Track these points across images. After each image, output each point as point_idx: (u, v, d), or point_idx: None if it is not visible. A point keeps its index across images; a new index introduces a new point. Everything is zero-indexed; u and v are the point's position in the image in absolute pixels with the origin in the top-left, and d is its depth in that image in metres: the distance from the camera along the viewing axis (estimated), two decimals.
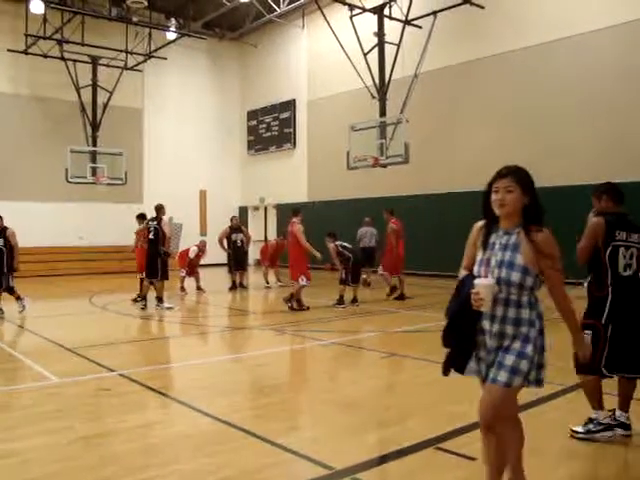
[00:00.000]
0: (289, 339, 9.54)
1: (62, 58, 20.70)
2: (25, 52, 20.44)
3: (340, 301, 12.40)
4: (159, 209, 12.49)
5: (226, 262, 16.92)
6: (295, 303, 11.80)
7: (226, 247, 16.08)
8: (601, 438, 4.37)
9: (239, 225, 16.66)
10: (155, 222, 12.35)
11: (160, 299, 12.37)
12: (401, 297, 13.18)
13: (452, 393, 6.02)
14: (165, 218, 12.55)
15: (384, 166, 16.11)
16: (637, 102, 14.80)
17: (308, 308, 11.82)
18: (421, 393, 6.06)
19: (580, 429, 4.46)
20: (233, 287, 16.00)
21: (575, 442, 4.54)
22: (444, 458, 4.27)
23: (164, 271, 12.31)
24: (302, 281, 11.71)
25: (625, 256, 4.42)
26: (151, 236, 12.29)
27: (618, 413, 4.50)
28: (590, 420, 4.44)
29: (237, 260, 16.09)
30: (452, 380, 6.64)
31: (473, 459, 4.19)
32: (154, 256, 12.26)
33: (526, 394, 5.78)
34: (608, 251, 4.41)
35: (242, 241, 16.18)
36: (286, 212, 23.43)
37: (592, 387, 4.47)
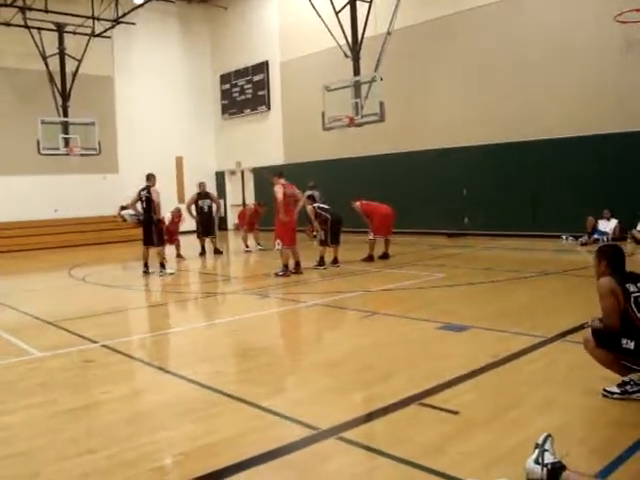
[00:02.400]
0: (271, 302, 9.56)
1: (26, 26, 20.10)
2: None
3: (321, 262, 12.42)
4: (149, 178, 12.72)
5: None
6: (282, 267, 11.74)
7: (194, 213, 16.04)
8: (637, 398, 4.35)
9: (207, 191, 16.58)
10: (145, 191, 12.58)
11: (162, 265, 12.63)
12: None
13: (433, 350, 6.10)
14: (156, 186, 12.72)
15: (360, 125, 15.99)
16: (618, 48, 14.69)
17: (289, 274, 11.69)
18: (403, 351, 6.12)
19: (616, 389, 4.42)
20: (202, 253, 16.04)
21: (555, 394, 4.63)
22: (428, 413, 4.33)
23: (160, 237, 12.72)
24: (278, 245, 11.70)
25: None
26: (144, 205, 12.61)
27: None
28: (624, 382, 4.41)
29: (205, 226, 16.10)
30: (432, 337, 6.76)
31: (456, 413, 4.26)
32: (148, 224, 12.61)
33: (502, 349, 5.88)
34: (632, 304, 4.30)
35: (209, 207, 16.18)
36: (263, 175, 23.42)
37: (612, 359, 4.47)
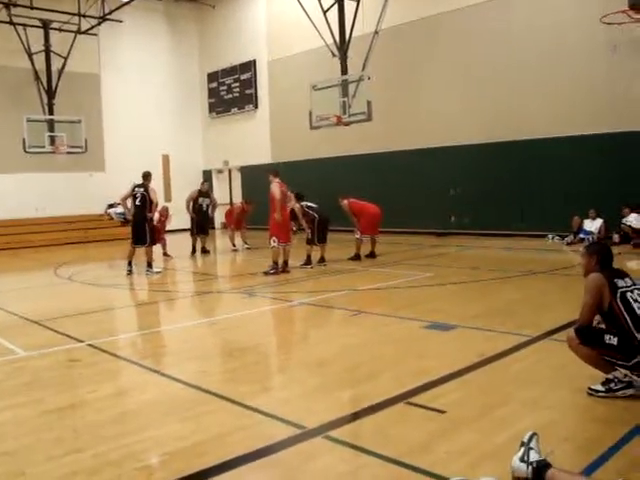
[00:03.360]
0: (258, 301, 9.54)
1: (11, 23, 19.93)
2: None
3: (307, 261, 12.42)
4: (146, 176, 12.66)
5: (189, 227, 16.75)
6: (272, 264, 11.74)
7: (191, 210, 15.94)
8: (622, 395, 4.40)
9: (208, 191, 16.53)
10: (142, 188, 12.45)
11: (150, 264, 12.56)
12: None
13: (420, 349, 6.12)
14: (152, 185, 12.70)
15: (347, 124, 16.00)
16: (605, 49, 14.75)
17: (279, 272, 11.67)
18: (390, 350, 6.13)
19: (601, 387, 4.46)
20: (194, 252, 15.97)
21: (541, 393, 4.66)
22: (415, 412, 4.34)
23: (152, 236, 12.68)
24: (273, 242, 11.69)
25: (637, 299, 4.41)
26: (137, 202, 12.41)
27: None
28: (608, 380, 4.45)
29: (200, 225, 16.00)
30: (419, 336, 6.78)
31: (443, 412, 4.28)
32: (142, 222, 12.46)
33: (489, 348, 5.91)
34: (619, 299, 4.36)
35: (208, 206, 16.11)
36: (250, 174, 23.41)
37: (596, 356, 4.50)
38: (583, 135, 15.22)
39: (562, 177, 15.58)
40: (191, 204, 15.94)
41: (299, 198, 12.75)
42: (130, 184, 12.83)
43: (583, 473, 3.32)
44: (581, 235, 14.58)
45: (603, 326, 4.53)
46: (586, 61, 15.08)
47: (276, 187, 11.69)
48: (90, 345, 6.70)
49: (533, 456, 3.23)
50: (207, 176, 26.71)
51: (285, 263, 11.90)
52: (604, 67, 14.77)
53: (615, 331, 4.36)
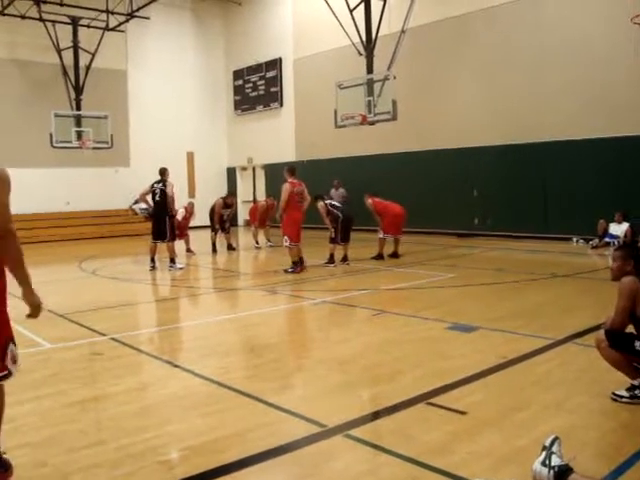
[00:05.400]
0: (280, 299, 9.57)
1: (41, 19, 20.22)
2: (2, 13, 19.89)
3: (330, 260, 12.43)
4: (164, 172, 12.76)
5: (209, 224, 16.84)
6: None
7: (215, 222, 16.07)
8: None
9: (232, 202, 16.64)
10: (160, 184, 12.59)
11: (173, 260, 12.70)
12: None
13: (441, 350, 6.09)
14: (170, 180, 12.79)
15: (372, 124, 15.97)
16: (633, 50, 14.54)
17: (299, 271, 11.71)
18: (411, 350, 6.11)
19: (625, 393, 4.41)
20: (214, 250, 16.03)
21: (563, 396, 4.62)
22: (435, 413, 4.33)
23: (172, 232, 12.78)
24: (285, 242, 11.74)
25: None
26: (157, 198, 12.57)
27: None
28: (633, 387, 4.40)
29: (223, 227, 16.20)
30: (441, 337, 6.75)
31: (464, 413, 4.26)
32: (161, 218, 12.62)
33: (511, 350, 5.87)
34: None
35: (228, 215, 16.38)
36: (274, 172, 23.43)
37: (624, 361, 4.44)
38: (609, 137, 15.02)
39: (588, 180, 15.40)
40: (216, 218, 16.07)
41: (318, 199, 12.70)
42: (149, 181, 13.03)
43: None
44: (607, 239, 14.41)
45: (634, 331, 4.45)
46: (615, 63, 14.87)
47: (287, 187, 11.73)
48: (113, 339, 6.77)
49: (555, 460, 3.20)
50: (230, 173, 26.85)
51: (301, 260, 11.93)
52: (633, 69, 14.57)
53: None
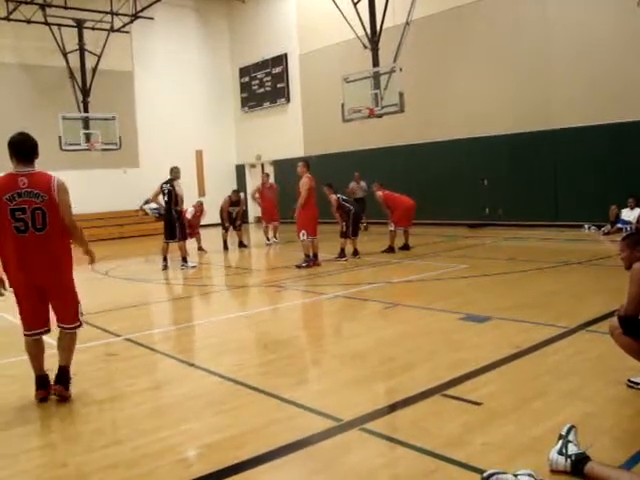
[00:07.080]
0: (293, 295, 9.58)
1: (46, 23, 20.28)
2: (7, 18, 19.99)
3: (341, 254, 12.43)
4: (173, 171, 12.75)
5: (219, 222, 16.88)
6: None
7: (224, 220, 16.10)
8: None
9: (239, 200, 16.58)
10: (169, 184, 12.58)
11: (184, 259, 12.74)
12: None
13: (455, 341, 6.08)
14: (179, 180, 12.76)
15: (379, 116, 15.95)
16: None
17: (312, 265, 11.69)
18: (425, 342, 6.10)
19: None
20: (225, 247, 16.06)
21: (578, 385, 4.60)
22: (450, 404, 4.33)
23: (183, 231, 12.78)
24: (302, 236, 11.73)
25: None
26: (166, 198, 12.59)
27: None
28: None
29: (233, 224, 16.25)
30: (454, 328, 6.74)
31: (479, 404, 4.25)
32: (171, 218, 12.63)
33: (525, 340, 5.85)
34: None
35: (237, 213, 16.34)
36: (283, 168, 23.42)
37: (638, 347, 4.42)
38: (619, 123, 14.92)
39: (599, 166, 15.31)
40: (224, 215, 16.11)
41: (329, 187, 12.73)
42: (159, 182, 13.02)
43: (623, 467, 3.27)
44: (619, 225, 14.31)
45: None
46: (623, 48, 14.76)
47: (307, 181, 11.71)
48: (127, 339, 6.80)
49: (572, 449, 3.19)
50: (239, 170, 26.87)
51: (315, 256, 11.92)
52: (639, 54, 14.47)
53: None
